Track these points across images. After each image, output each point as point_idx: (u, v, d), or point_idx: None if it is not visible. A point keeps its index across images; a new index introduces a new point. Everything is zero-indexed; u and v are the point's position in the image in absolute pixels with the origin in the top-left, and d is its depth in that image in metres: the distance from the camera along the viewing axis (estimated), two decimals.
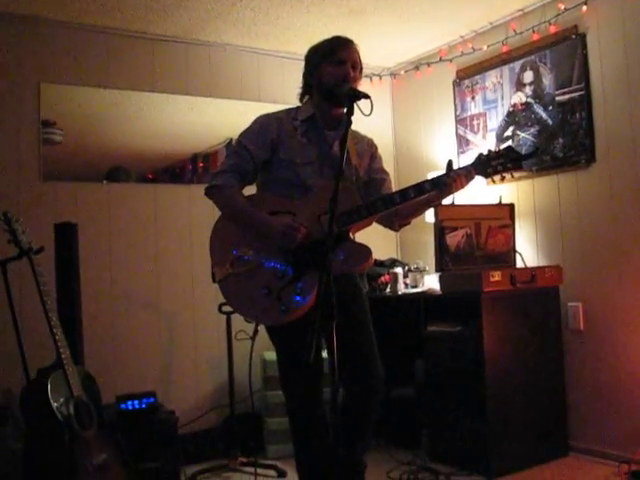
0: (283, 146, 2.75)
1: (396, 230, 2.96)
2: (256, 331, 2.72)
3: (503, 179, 2.68)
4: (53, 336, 3.09)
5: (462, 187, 2.65)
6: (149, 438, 3.79)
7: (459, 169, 2.67)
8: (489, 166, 2.65)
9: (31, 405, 3.06)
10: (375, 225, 2.82)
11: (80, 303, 3.70)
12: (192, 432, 4.38)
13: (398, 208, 2.71)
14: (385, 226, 2.94)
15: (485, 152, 2.68)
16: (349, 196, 2.59)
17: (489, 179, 2.70)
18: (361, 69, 2.80)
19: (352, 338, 2.67)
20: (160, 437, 3.84)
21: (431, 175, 2.81)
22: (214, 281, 2.73)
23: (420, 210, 2.85)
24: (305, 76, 2.85)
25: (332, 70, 2.70)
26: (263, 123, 2.81)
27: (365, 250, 2.60)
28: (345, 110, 2.37)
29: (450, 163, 2.68)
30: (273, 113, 2.87)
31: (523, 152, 2.71)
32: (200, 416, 4.49)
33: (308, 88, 2.86)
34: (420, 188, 2.62)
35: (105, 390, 3.45)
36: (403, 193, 2.62)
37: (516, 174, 4.41)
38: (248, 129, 2.83)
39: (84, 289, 3.77)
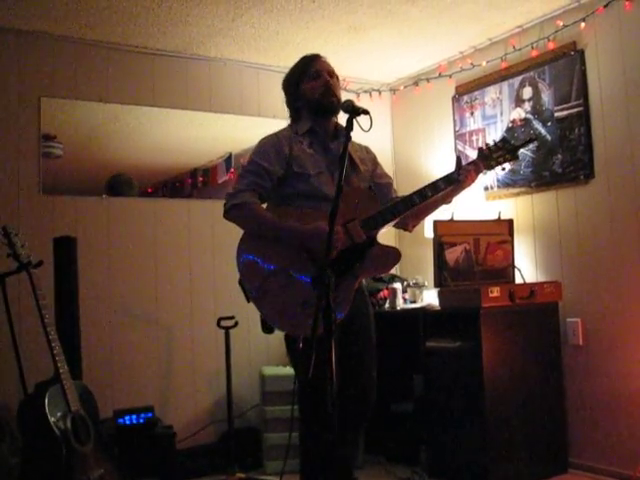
0: (296, 160, 2.80)
1: (410, 231, 3.04)
2: (299, 343, 2.59)
3: (504, 169, 2.94)
4: (51, 350, 3.09)
5: (473, 181, 2.80)
6: (147, 453, 3.79)
7: (468, 164, 2.82)
8: (491, 159, 2.84)
9: (28, 420, 3.06)
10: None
11: (79, 317, 3.70)
12: (190, 447, 4.35)
13: (418, 208, 2.82)
14: (399, 228, 3.02)
15: (484, 147, 2.87)
16: (370, 201, 2.74)
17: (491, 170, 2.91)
18: (337, 77, 2.93)
19: (356, 360, 2.81)
20: (158, 452, 3.83)
21: (455, 165, 2.92)
22: (248, 301, 2.71)
23: (433, 208, 2.96)
24: (289, 103, 2.97)
25: (312, 84, 2.85)
26: (274, 142, 2.86)
27: (394, 251, 2.72)
28: (345, 125, 2.37)
29: (459, 159, 2.85)
30: (279, 132, 2.93)
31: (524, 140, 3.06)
32: (198, 431, 4.47)
33: (296, 112, 2.96)
34: (435, 186, 2.75)
35: (103, 404, 3.45)
36: (421, 193, 2.73)
37: (515, 190, 4.43)
38: (259, 150, 2.87)
39: (83, 303, 3.77)
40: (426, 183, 2.79)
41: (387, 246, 2.74)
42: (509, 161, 2.88)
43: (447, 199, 2.87)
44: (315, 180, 2.78)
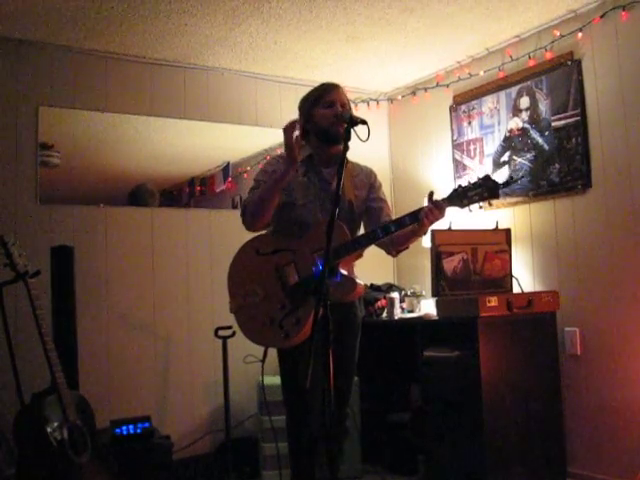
0: (287, 187, 2.92)
1: (393, 256, 3.08)
2: (265, 355, 2.89)
3: (481, 207, 2.75)
4: (48, 360, 3.08)
5: (436, 220, 2.74)
6: (144, 463, 3.77)
7: (432, 203, 2.75)
8: (465, 197, 2.72)
9: (25, 430, 3.05)
10: (372, 251, 2.92)
11: (75, 327, 3.70)
12: (187, 457, 4.34)
13: (392, 238, 2.87)
14: (384, 250, 3.05)
15: (464, 184, 2.75)
16: (339, 233, 2.73)
17: (465, 208, 2.80)
18: (349, 108, 3.00)
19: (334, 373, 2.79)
20: (155, 462, 3.81)
21: (427, 200, 2.85)
22: (231, 312, 2.94)
23: (410, 239, 2.93)
24: (301, 123, 3.00)
25: (324, 112, 2.92)
26: (274, 165, 3.00)
27: (350, 282, 2.81)
28: (342, 135, 2.45)
29: (430, 194, 2.79)
30: (281, 156, 3.03)
31: (508, 178, 2.79)
32: (195, 441, 4.46)
33: (306, 134, 3.01)
34: (400, 222, 2.77)
35: (100, 414, 3.44)
36: (385, 228, 2.78)
37: (512, 199, 4.43)
38: (261, 170, 3.05)
39: (80, 312, 3.77)
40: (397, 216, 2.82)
41: (345, 276, 2.80)
42: (487, 199, 2.73)
43: (419, 232, 2.84)
44: (302, 209, 2.93)
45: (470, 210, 2.69)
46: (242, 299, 2.89)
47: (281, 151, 3.18)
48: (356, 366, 3.08)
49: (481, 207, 2.76)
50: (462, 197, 2.72)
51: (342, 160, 2.37)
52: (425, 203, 2.79)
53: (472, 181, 2.73)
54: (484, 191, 2.69)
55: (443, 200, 2.74)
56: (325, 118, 2.91)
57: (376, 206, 3.08)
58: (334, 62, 4.79)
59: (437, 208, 2.72)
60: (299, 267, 2.82)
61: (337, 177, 2.32)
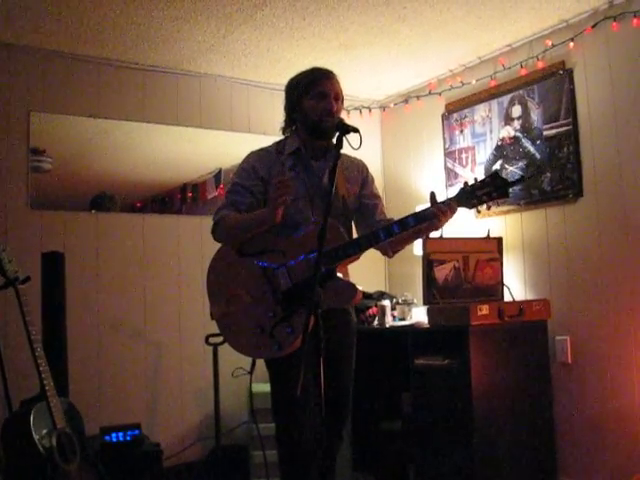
0: (272, 183, 2.65)
1: (390, 256, 2.92)
2: (253, 366, 2.75)
3: (489, 208, 2.61)
4: (37, 367, 3.07)
5: (446, 221, 2.56)
6: (133, 471, 3.75)
7: (441, 203, 2.56)
8: (474, 197, 2.53)
9: (13, 437, 3.03)
10: (363, 257, 2.80)
11: (65, 333, 3.68)
12: (177, 464, 4.32)
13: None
14: (380, 251, 2.88)
15: (470, 182, 2.56)
16: (334, 233, 2.57)
17: (474, 209, 2.64)
18: (342, 99, 2.80)
19: (332, 375, 2.61)
20: (144, 470, 3.79)
21: (419, 208, 2.74)
22: (212, 319, 2.75)
23: (410, 240, 2.84)
24: (287, 109, 2.85)
25: (315, 104, 2.71)
26: (253, 162, 2.82)
27: (350, 288, 2.60)
28: (334, 143, 2.39)
29: (432, 195, 2.59)
30: (263, 149, 2.88)
31: (519, 176, 2.60)
32: (185, 448, 4.44)
33: (291, 121, 2.85)
34: (404, 223, 2.58)
35: (89, 421, 3.43)
36: (388, 230, 2.58)
37: (504, 208, 4.44)
38: (240, 169, 2.84)
39: (70, 319, 3.75)
40: (400, 216, 2.64)
41: (345, 281, 2.63)
42: (496, 199, 2.52)
43: (421, 234, 2.73)
44: (290, 206, 2.64)
45: (478, 211, 2.47)
46: (225, 306, 2.68)
47: None
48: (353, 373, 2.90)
49: (489, 207, 2.56)
50: (470, 197, 2.53)
51: (333, 170, 2.25)
52: (419, 208, 2.65)
53: (479, 179, 2.55)
54: (493, 190, 2.50)
55: (451, 200, 2.56)
56: (315, 111, 2.70)
57: (370, 203, 2.93)
58: None
59: (448, 209, 2.53)
60: (291, 270, 2.61)
61: (329, 185, 2.24)
